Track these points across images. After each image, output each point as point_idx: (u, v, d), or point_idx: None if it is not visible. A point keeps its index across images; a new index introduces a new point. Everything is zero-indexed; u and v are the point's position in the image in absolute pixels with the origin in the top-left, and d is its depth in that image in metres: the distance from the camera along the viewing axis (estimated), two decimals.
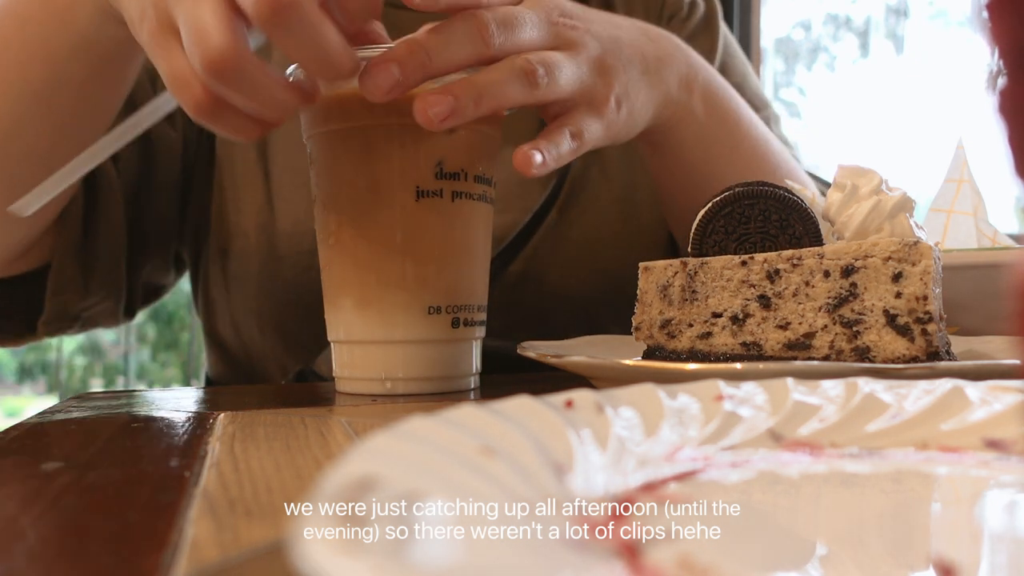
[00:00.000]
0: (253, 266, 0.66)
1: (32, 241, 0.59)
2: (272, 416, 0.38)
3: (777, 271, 0.40)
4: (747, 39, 1.82)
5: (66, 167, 0.45)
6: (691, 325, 0.42)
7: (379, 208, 0.44)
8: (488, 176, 0.47)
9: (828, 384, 0.26)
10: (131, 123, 0.44)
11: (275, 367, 0.69)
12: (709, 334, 0.41)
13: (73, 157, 0.48)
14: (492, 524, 0.14)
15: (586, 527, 0.17)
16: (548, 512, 0.16)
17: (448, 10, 0.42)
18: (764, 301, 0.40)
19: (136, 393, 0.50)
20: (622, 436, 0.22)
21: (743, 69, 0.78)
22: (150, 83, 0.64)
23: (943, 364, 0.34)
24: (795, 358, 0.39)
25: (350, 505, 0.13)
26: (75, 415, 0.40)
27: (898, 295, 0.37)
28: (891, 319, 0.37)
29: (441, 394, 0.45)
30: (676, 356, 0.42)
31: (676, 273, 0.43)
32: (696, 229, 0.44)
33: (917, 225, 0.46)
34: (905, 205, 0.45)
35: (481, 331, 0.48)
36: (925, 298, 0.37)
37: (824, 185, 0.72)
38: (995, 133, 0.13)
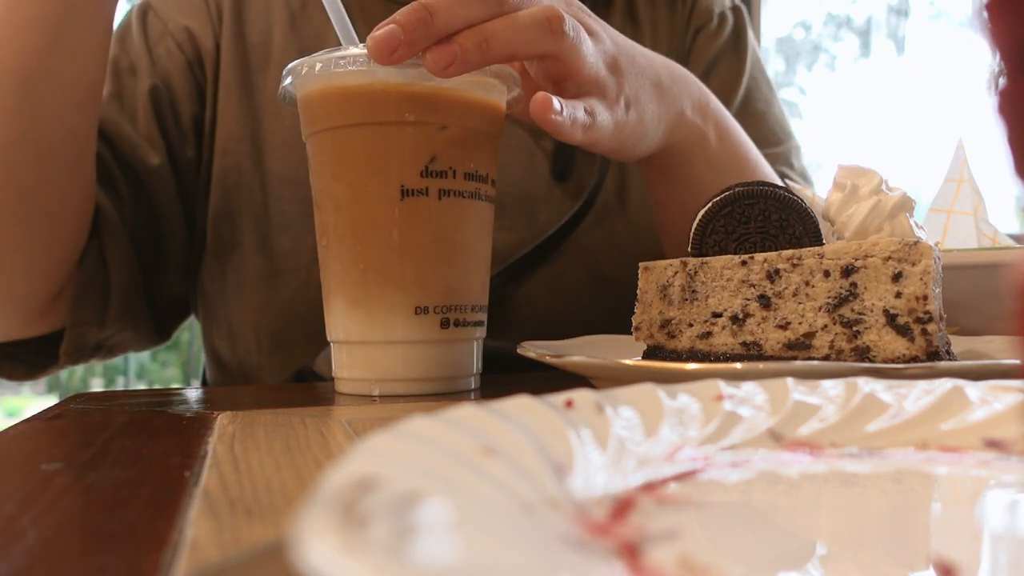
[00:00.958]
0: (251, 280, 0.66)
1: (53, 292, 0.60)
2: (272, 416, 0.38)
3: (777, 271, 0.40)
4: None
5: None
6: (691, 325, 0.42)
7: (365, 207, 0.44)
8: (483, 174, 0.46)
9: (828, 384, 0.26)
10: None
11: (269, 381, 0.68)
12: (709, 334, 0.41)
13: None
14: (492, 524, 0.14)
15: (586, 527, 0.17)
16: (548, 512, 0.16)
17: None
18: (764, 301, 0.40)
19: (136, 393, 0.50)
20: (622, 436, 0.22)
21: (768, 95, 0.77)
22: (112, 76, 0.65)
23: (943, 364, 0.34)
24: (795, 358, 0.39)
25: (350, 505, 0.13)
26: (75, 415, 0.40)
27: (898, 295, 0.37)
28: (891, 319, 0.37)
29: (440, 395, 0.45)
30: (676, 356, 0.42)
31: (676, 273, 0.43)
32: (696, 229, 0.44)
33: (917, 225, 0.46)
34: (905, 205, 0.45)
35: (479, 331, 0.47)
36: (925, 298, 0.37)
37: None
38: (995, 133, 0.13)
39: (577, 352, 0.43)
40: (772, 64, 2.54)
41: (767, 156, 0.65)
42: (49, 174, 0.55)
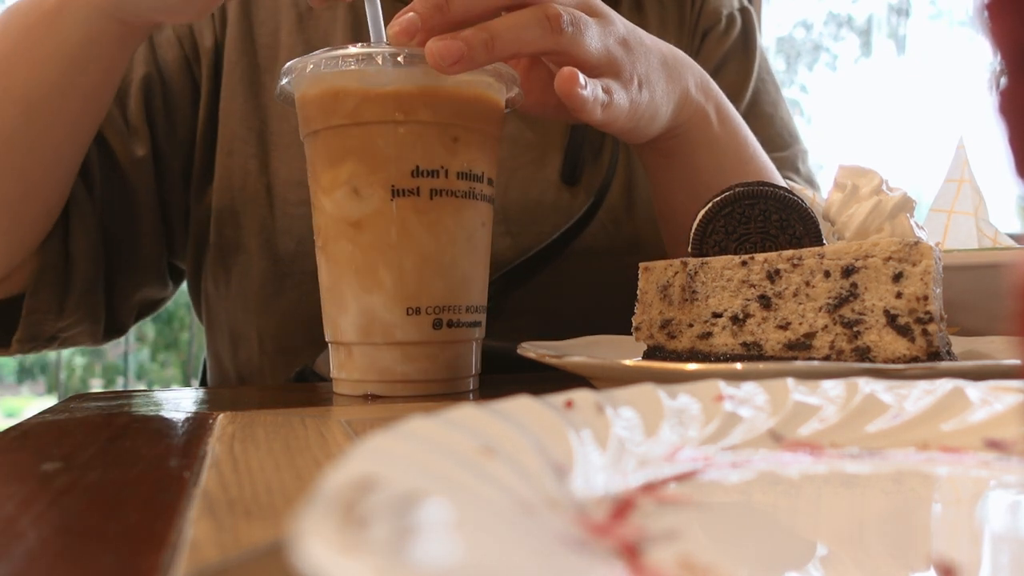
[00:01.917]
0: (255, 283, 0.65)
1: (14, 265, 0.59)
2: (272, 416, 0.38)
3: (777, 271, 0.40)
4: None
5: None
6: (691, 325, 0.42)
7: (356, 207, 0.44)
8: (477, 172, 0.46)
9: (828, 384, 0.26)
10: None
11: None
12: (709, 334, 0.41)
13: (53, 159, 0.51)
14: (492, 524, 0.14)
15: (586, 527, 0.17)
16: (548, 512, 0.16)
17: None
18: (764, 301, 0.40)
19: (136, 393, 0.50)
20: (622, 436, 0.22)
21: (775, 98, 0.76)
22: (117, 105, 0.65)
23: (944, 364, 0.34)
24: (795, 358, 0.39)
25: (350, 505, 0.13)
26: (75, 415, 0.40)
27: (899, 295, 0.37)
28: (891, 319, 0.37)
29: (437, 396, 0.45)
30: (676, 356, 0.42)
31: (676, 273, 0.43)
32: (696, 229, 0.44)
33: (918, 225, 0.46)
34: (905, 205, 0.45)
35: (476, 332, 0.47)
36: (926, 298, 0.37)
37: None
38: (996, 133, 0.13)
39: (577, 352, 0.43)
40: (773, 64, 2.54)
41: (773, 160, 0.65)
42: (33, 182, 0.55)
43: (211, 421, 0.37)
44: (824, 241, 0.43)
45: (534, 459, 0.18)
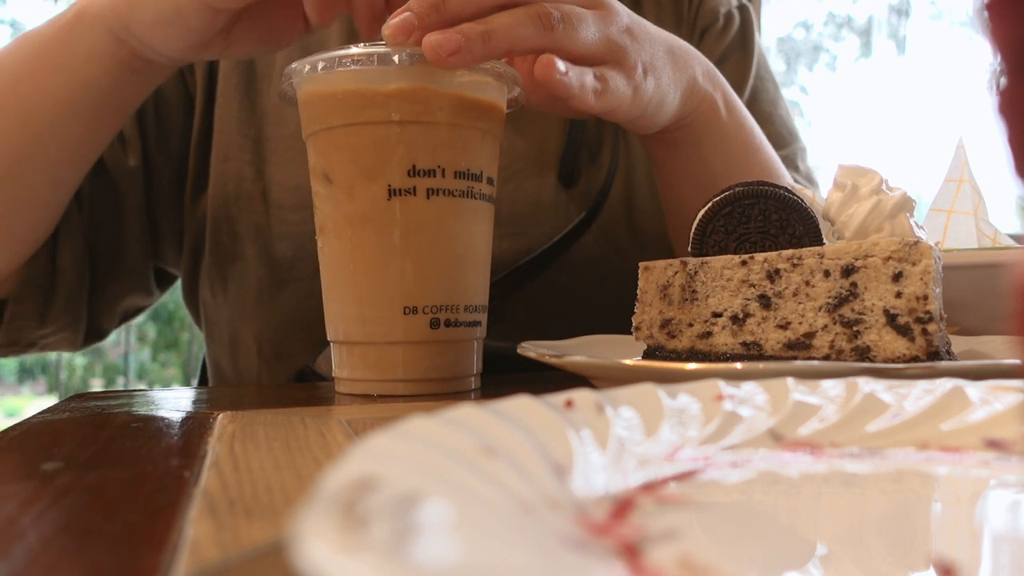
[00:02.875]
0: (252, 291, 0.65)
1: (1, 279, 0.59)
2: (272, 416, 0.38)
3: (777, 271, 0.40)
4: None
5: None
6: (691, 325, 0.42)
7: (354, 207, 0.44)
8: (476, 172, 0.46)
9: (828, 384, 0.26)
10: None
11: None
12: (709, 334, 0.41)
13: (64, 180, 0.52)
14: (492, 524, 0.14)
15: (586, 527, 0.17)
16: (548, 512, 0.16)
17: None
18: (764, 301, 0.40)
19: (136, 393, 0.50)
20: (622, 436, 0.22)
21: (774, 96, 0.76)
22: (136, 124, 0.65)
23: (943, 364, 0.34)
24: (795, 358, 0.39)
25: (350, 505, 0.13)
26: (75, 415, 0.40)
27: (898, 295, 0.37)
28: (891, 319, 0.37)
29: (438, 395, 0.45)
30: (676, 356, 0.42)
31: (676, 273, 0.43)
32: (696, 229, 0.44)
33: (917, 225, 0.46)
34: (905, 205, 0.45)
35: (475, 332, 0.47)
36: (925, 298, 0.37)
37: None
38: (995, 133, 0.13)
39: (577, 352, 0.43)
40: (773, 64, 2.54)
41: None
42: (29, 200, 0.56)
43: (211, 421, 0.37)
44: (824, 241, 0.43)
45: (534, 459, 0.18)
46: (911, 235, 0.44)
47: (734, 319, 0.41)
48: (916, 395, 0.26)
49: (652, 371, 0.36)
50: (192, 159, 0.68)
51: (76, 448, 0.32)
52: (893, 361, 0.37)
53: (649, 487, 0.20)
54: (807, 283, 0.39)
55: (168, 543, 0.20)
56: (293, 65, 0.45)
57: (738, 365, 0.33)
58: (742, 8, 0.77)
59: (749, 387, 0.26)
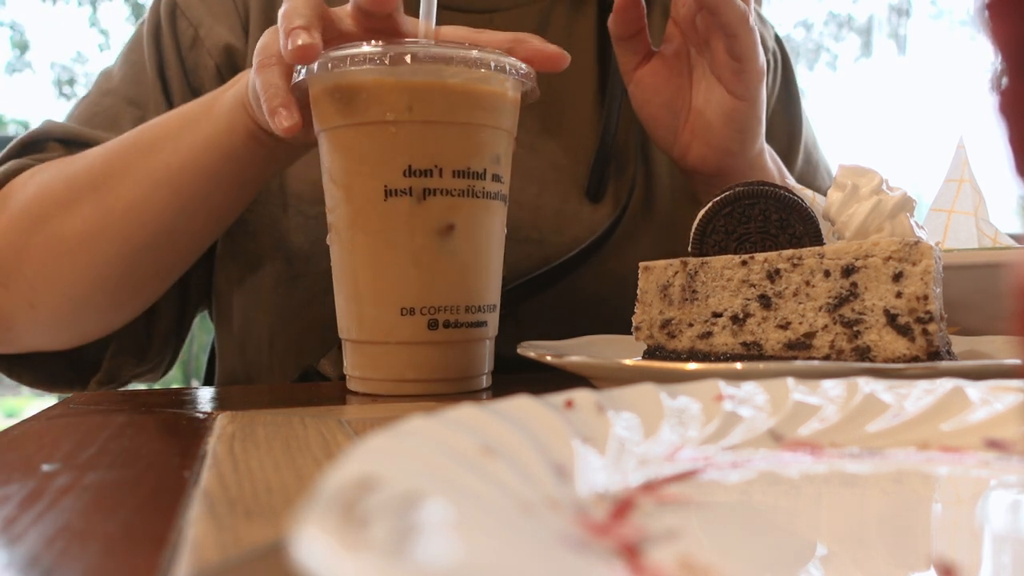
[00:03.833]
0: (267, 285, 0.65)
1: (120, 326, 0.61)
2: (272, 416, 0.38)
3: (777, 271, 0.40)
4: None
5: None
6: (691, 325, 0.42)
7: (353, 207, 0.44)
8: (478, 170, 0.45)
9: (828, 384, 0.26)
10: None
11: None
12: (709, 334, 0.41)
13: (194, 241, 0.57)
14: (492, 524, 0.14)
15: (586, 527, 0.17)
16: (548, 512, 0.16)
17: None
18: (764, 301, 0.40)
19: (136, 393, 0.50)
20: (622, 436, 0.22)
21: (814, 136, 0.77)
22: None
23: (944, 364, 0.34)
24: (795, 358, 0.39)
25: (350, 505, 0.13)
26: (75, 415, 0.40)
27: (899, 295, 0.37)
28: (892, 319, 0.37)
29: (443, 396, 0.45)
30: (676, 356, 0.42)
31: (676, 273, 0.43)
32: (696, 229, 0.44)
33: (918, 225, 0.46)
34: (906, 205, 0.45)
35: (479, 332, 0.46)
36: (926, 298, 0.37)
37: None
38: (996, 133, 0.13)
39: (577, 352, 0.43)
40: None
41: None
42: (168, 263, 0.59)
43: (211, 421, 0.37)
44: (824, 241, 0.43)
45: (534, 459, 0.18)
46: (911, 235, 0.44)
47: (734, 319, 0.41)
48: (916, 395, 0.26)
49: (652, 371, 0.36)
50: None
51: (75, 448, 0.32)
52: (893, 361, 0.37)
53: (649, 487, 0.20)
54: (807, 283, 0.39)
55: (168, 543, 0.20)
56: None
57: (738, 365, 0.33)
58: (778, 41, 0.76)
59: (749, 387, 0.26)
